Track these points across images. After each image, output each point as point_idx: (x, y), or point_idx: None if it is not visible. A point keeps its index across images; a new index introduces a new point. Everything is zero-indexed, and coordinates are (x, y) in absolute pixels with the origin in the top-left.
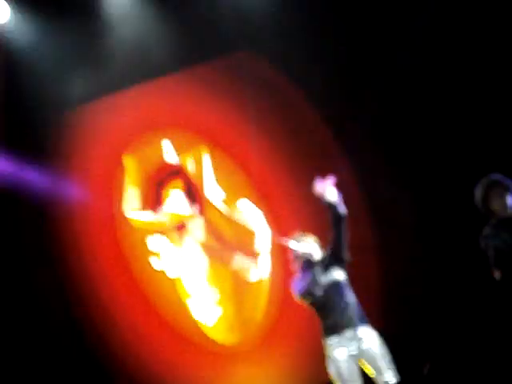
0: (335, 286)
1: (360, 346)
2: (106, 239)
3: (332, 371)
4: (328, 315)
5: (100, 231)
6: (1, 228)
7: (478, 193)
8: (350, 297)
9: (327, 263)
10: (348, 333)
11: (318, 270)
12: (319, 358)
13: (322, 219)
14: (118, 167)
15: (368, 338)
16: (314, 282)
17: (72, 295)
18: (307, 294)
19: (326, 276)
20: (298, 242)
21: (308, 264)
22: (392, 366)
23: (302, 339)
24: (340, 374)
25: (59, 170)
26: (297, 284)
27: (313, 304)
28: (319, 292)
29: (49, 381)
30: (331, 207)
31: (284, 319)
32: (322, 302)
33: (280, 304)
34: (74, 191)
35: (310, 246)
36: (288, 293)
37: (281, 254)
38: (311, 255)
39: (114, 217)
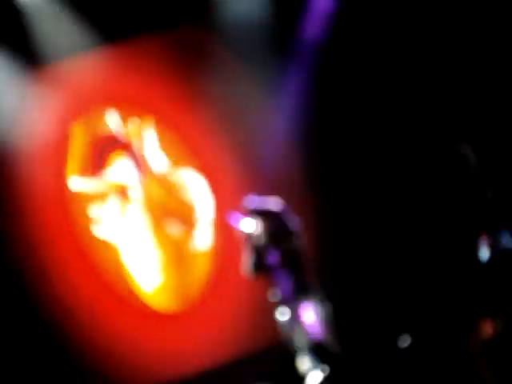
0: (281, 258)
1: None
2: (50, 208)
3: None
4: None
5: (44, 200)
6: None
7: None
8: (297, 268)
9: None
10: (295, 304)
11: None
12: (257, 331)
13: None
14: (64, 136)
15: (310, 310)
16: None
17: (14, 263)
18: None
19: (272, 250)
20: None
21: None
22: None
23: (240, 310)
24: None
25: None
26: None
27: None
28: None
29: None
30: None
31: (224, 290)
32: (270, 275)
33: (220, 274)
34: (19, 159)
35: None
36: (228, 264)
37: (223, 225)
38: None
39: (57, 185)
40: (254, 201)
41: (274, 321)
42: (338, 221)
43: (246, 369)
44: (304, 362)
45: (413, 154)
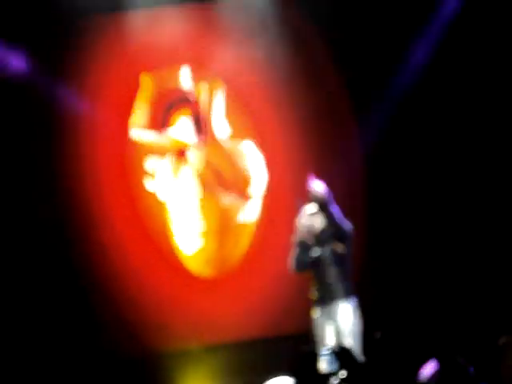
0: (326, 259)
1: (336, 319)
2: (109, 158)
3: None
4: (317, 286)
5: (105, 150)
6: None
7: None
8: (341, 271)
9: (326, 235)
10: (331, 306)
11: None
12: (288, 307)
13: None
14: (133, 85)
15: (345, 315)
16: (305, 253)
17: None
18: (298, 265)
19: (319, 248)
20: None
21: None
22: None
23: (275, 286)
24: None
25: (70, 82)
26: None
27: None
28: (310, 264)
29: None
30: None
31: (261, 264)
32: (313, 273)
33: (261, 248)
34: (84, 105)
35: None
36: (270, 240)
37: (272, 201)
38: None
39: (119, 132)
40: (323, 192)
41: (304, 309)
42: (387, 232)
43: (266, 349)
44: (325, 362)
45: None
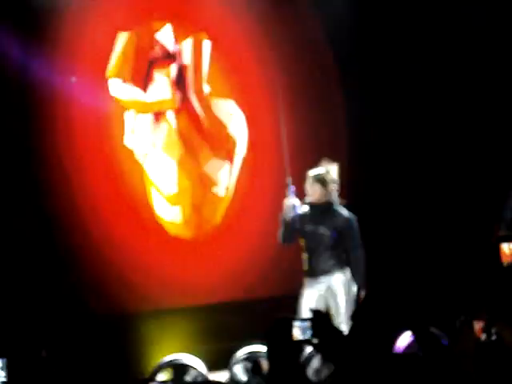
0: (320, 234)
1: (329, 290)
2: (86, 119)
3: (300, 305)
4: (308, 259)
5: (82, 112)
6: None
7: None
8: (334, 246)
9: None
10: (322, 278)
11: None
12: (265, 271)
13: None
14: (110, 46)
15: (338, 286)
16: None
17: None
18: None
19: (315, 223)
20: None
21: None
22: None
23: (253, 249)
24: (305, 309)
25: (43, 47)
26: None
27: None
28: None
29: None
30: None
31: (240, 226)
32: (305, 246)
33: (240, 211)
34: (59, 70)
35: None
36: (249, 202)
37: (252, 164)
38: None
39: (96, 87)
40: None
41: (281, 274)
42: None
43: (240, 312)
44: (299, 329)
45: None
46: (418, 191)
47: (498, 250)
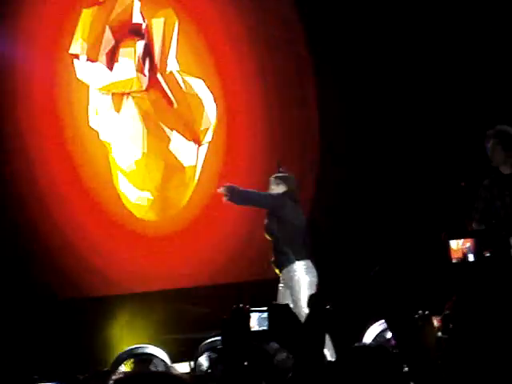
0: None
1: (291, 280)
2: (47, 99)
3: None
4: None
5: (42, 81)
6: None
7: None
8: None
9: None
10: (287, 268)
11: None
12: (230, 256)
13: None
14: (74, 22)
15: (299, 275)
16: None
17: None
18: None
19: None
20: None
21: None
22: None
23: (219, 234)
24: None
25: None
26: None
27: None
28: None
29: None
30: None
31: (206, 209)
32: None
33: (206, 196)
34: (19, 49)
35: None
36: (216, 184)
37: (221, 146)
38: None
39: (58, 65)
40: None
41: (244, 259)
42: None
43: (202, 297)
44: (255, 320)
45: None
46: (378, 189)
47: (447, 247)
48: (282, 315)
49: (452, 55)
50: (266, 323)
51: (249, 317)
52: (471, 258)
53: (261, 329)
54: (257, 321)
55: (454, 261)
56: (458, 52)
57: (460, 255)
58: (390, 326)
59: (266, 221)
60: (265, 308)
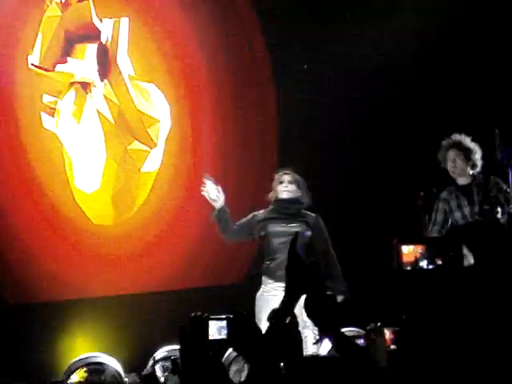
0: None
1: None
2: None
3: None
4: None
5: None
6: None
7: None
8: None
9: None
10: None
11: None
12: (187, 261)
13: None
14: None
15: None
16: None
17: None
18: None
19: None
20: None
21: None
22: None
23: (172, 237)
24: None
25: None
26: None
27: None
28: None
29: None
30: None
31: (162, 212)
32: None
33: (162, 197)
34: None
35: None
36: (171, 188)
37: (176, 149)
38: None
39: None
40: None
41: (204, 266)
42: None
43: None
44: (214, 328)
45: None
46: (336, 193)
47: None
48: (242, 324)
49: (411, 58)
50: (225, 332)
51: (207, 325)
52: (423, 264)
53: (219, 337)
54: (216, 329)
55: (405, 266)
56: (416, 55)
57: (412, 261)
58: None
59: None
60: (223, 316)
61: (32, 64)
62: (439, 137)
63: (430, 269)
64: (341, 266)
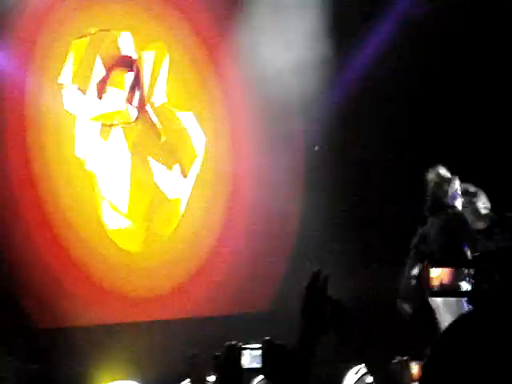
0: None
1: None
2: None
3: None
4: None
5: (36, 116)
6: None
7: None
8: None
9: None
10: None
11: None
12: (214, 288)
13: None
14: (65, 52)
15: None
16: None
17: None
18: None
19: None
20: None
21: None
22: None
23: (203, 266)
24: None
25: None
26: None
27: None
28: None
29: None
30: None
31: (192, 241)
32: None
33: (192, 227)
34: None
35: None
36: (200, 217)
37: (207, 180)
38: None
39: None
40: None
41: (228, 293)
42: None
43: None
44: (248, 357)
45: None
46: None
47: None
48: (275, 353)
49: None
50: (259, 360)
51: (241, 354)
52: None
53: (253, 366)
54: (249, 358)
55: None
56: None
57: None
58: (370, 370)
59: None
60: (258, 345)
61: (66, 90)
62: None
63: (463, 291)
64: None
